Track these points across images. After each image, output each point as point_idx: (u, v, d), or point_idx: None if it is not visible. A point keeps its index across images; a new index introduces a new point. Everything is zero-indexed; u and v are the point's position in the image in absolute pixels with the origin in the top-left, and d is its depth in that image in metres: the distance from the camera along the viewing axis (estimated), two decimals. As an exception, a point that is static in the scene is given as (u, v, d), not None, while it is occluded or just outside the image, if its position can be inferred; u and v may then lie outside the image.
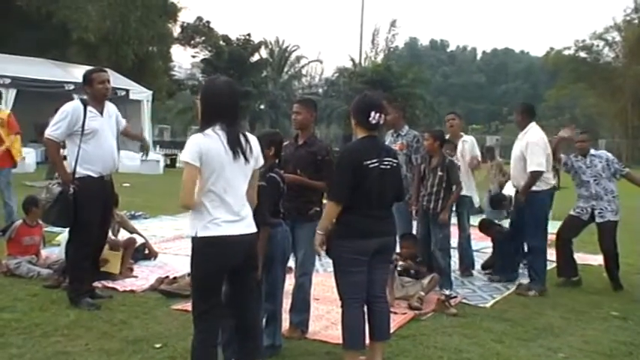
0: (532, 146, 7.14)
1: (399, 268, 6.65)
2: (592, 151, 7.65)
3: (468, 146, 8.26)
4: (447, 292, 6.50)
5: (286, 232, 4.87)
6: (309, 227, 5.10)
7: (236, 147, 3.81)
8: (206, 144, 3.74)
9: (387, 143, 7.14)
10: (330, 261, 4.69)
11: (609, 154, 7.71)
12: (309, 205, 5.17)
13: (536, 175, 7.10)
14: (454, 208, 8.04)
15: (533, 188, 7.16)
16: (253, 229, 3.92)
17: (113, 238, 7.26)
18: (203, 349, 3.93)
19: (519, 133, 7.47)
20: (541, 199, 7.25)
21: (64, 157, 6.12)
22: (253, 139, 3.98)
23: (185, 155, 3.73)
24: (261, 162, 4.04)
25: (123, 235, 7.75)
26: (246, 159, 3.84)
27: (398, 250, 6.76)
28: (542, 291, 7.11)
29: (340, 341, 4.67)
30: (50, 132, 5.90)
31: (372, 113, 4.45)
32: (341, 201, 4.40)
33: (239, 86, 4.40)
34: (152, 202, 13.37)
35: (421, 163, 7.24)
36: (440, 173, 7.00)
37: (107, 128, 6.07)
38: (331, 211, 4.45)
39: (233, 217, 3.81)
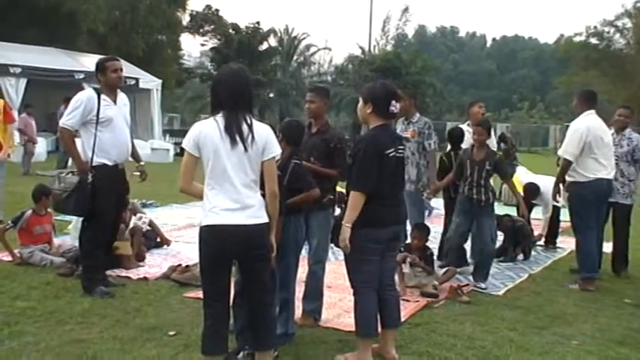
0: (569, 132, 6.98)
1: (406, 267, 6.52)
2: (628, 132, 7.52)
3: None
4: (464, 281, 6.48)
5: (299, 220, 4.87)
6: (322, 215, 5.11)
7: (233, 134, 3.79)
8: (202, 131, 3.83)
9: (397, 131, 7.14)
10: (339, 249, 4.67)
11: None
12: (323, 193, 5.14)
13: (564, 163, 6.89)
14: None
15: (569, 179, 6.96)
16: (258, 219, 3.88)
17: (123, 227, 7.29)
18: (211, 336, 3.97)
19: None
20: (574, 191, 7.00)
21: None
22: (261, 128, 3.92)
23: (184, 142, 3.89)
24: (273, 152, 3.94)
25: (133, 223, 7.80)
26: (245, 147, 3.81)
27: (409, 240, 6.75)
28: (588, 279, 6.90)
29: (352, 329, 4.68)
30: (65, 121, 5.91)
31: (393, 102, 4.40)
32: (367, 191, 4.31)
33: (248, 74, 4.39)
34: (162, 190, 13.37)
35: (463, 157, 6.98)
36: (488, 167, 6.71)
37: (121, 117, 6.08)
38: (357, 202, 4.31)
39: (233, 205, 3.81)
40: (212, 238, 3.84)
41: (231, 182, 3.81)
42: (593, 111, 7.02)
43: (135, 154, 6.43)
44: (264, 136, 3.91)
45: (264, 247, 3.94)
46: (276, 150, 3.96)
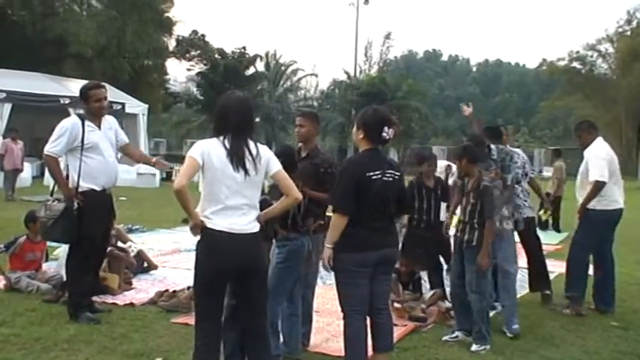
0: (593, 158, 6.80)
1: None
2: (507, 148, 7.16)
3: None
4: (449, 305, 6.44)
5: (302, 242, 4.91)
6: (312, 240, 5.09)
7: (238, 159, 3.88)
8: (209, 148, 3.90)
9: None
10: (329, 274, 4.68)
11: (524, 155, 7.27)
12: (313, 218, 5.14)
13: (599, 186, 6.64)
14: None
15: (593, 204, 6.72)
16: (251, 237, 3.95)
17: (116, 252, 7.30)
18: (201, 357, 3.99)
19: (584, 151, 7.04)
20: (586, 218, 6.80)
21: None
22: (262, 150, 4.03)
23: (190, 152, 3.90)
24: (277, 166, 4.08)
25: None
26: (246, 171, 3.88)
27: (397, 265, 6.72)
28: (578, 310, 6.81)
29: (341, 354, 4.68)
30: (49, 148, 5.86)
31: (386, 129, 4.45)
32: (347, 212, 4.37)
33: (250, 100, 4.47)
34: (149, 215, 13.34)
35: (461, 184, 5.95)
36: (472, 200, 5.63)
37: (106, 141, 6.05)
38: (338, 223, 4.38)
39: (230, 221, 3.88)
40: (210, 246, 3.91)
41: (235, 201, 3.89)
42: (601, 137, 7.06)
43: (143, 157, 6.87)
44: (267, 156, 4.04)
45: (259, 265, 4.04)
46: (278, 164, 4.09)
